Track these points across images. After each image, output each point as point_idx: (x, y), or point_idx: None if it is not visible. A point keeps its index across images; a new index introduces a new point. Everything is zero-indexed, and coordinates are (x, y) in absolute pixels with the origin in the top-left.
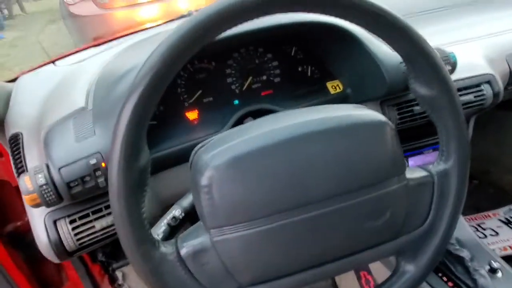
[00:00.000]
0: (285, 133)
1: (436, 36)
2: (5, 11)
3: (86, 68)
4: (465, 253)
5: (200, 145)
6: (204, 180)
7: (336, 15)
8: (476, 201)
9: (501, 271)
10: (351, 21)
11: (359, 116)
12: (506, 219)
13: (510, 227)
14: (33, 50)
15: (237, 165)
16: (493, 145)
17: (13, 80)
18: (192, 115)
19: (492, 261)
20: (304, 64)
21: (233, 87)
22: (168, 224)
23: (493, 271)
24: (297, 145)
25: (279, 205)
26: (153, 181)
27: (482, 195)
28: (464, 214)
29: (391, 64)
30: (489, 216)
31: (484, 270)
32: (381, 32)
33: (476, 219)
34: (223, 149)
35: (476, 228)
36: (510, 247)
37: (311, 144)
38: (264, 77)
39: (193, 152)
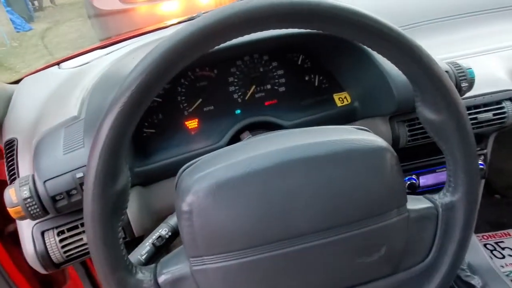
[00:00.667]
0: (271, 159)
1: (453, 46)
2: (36, 3)
3: (87, 73)
4: (476, 281)
5: (186, 165)
6: (184, 206)
7: (332, 32)
8: (497, 216)
9: None
10: (348, 38)
11: (356, 142)
12: None
13: None
14: (60, 42)
15: (218, 192)
16: None
17: (17, 82)
18: (191, 124)
19: None
20: (311, 73)
21: (235, 96)
22: (153, 244)
23: None
24: (282, 173)
25: (262, 237)
26: (146, 192)
27: (504, 210)
28: (484, 230)
29: (401, 81)
30: (509, 234)
31: None
32: (382, 49)
33: (494, 236)
34: (205, 174)
35: (494, 247)
36: None
37: (298, 172)
38: (269, 86)
39: (179, 171)
